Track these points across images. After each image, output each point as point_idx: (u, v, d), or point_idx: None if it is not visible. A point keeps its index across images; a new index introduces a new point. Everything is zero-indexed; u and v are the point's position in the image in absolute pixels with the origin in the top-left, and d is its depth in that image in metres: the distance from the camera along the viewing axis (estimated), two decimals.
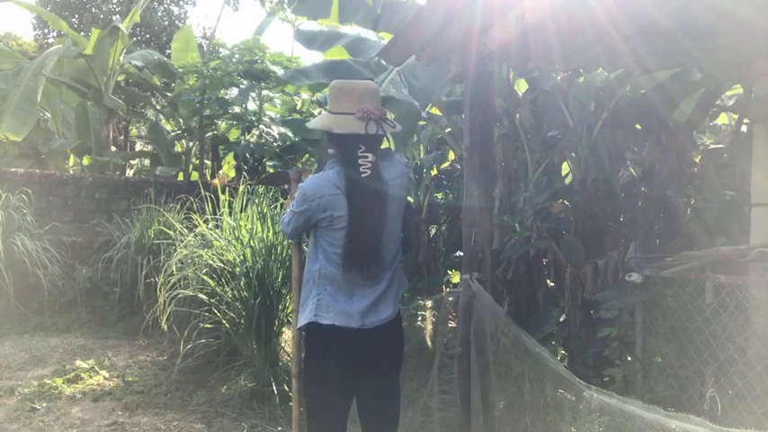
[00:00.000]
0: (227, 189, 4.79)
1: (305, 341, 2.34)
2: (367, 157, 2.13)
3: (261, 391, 4.00)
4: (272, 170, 7.62)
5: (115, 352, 5.34)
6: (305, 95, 8.01)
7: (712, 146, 4.25)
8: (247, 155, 7.50)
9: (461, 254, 3.68)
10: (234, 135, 8.32)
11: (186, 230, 4.84)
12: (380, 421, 2.30)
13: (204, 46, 13.30)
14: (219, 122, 8.43)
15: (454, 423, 3.46)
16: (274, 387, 3.91)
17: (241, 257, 4.19)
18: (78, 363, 4.82)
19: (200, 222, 4.62)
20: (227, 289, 4.21)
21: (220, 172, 8.79)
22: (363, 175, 2.12)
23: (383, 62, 5.37)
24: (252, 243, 4.23)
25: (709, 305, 2.71)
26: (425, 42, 3.11)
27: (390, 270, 2.27)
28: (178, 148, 10.60)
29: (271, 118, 7.79)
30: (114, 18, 14.41)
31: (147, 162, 11.84)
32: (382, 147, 2.29)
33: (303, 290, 2.30)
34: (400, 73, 4.74)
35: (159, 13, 15.83)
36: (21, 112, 7.58)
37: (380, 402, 2.28)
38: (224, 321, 4.19)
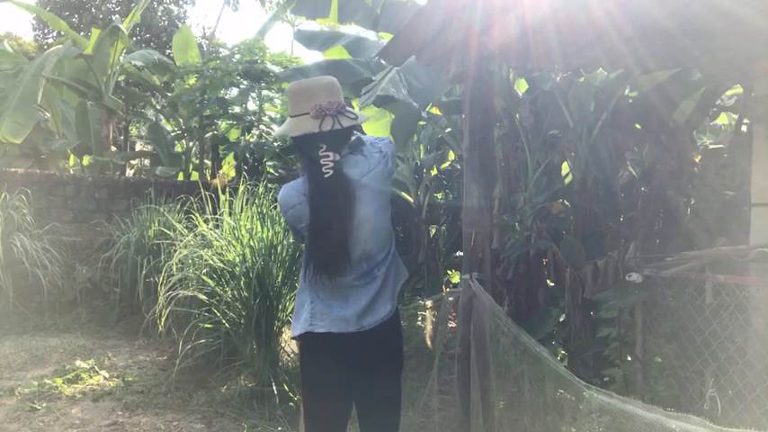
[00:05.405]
0: (227, 189, 4.79)
1: (300, 350, 2.25)
2: (328, 156, 1.98)
3: (261, 391, 4.00)
4: (272, 170, 7.63)
5: (115, 352, 5.35)
6: None
7: (712, 146, 4.24)
8: (247, 155, 7.50)
9: (461, 254, 3.68)
10: (234, 135, 8.32)
11: (186, 230, 4.84)
12: (381, 423, 2.26)
13: (204, 46, 13.30)
14: (219, 122, 8.43)
15: (454, 423, 3.46)
16: (274, 387, 3.91)
17: (241, 257, 4.19)
18: (78, 363, 4.83)
19: (200, 222, 4.62)
20: (227, 289, 4.21)
21: (220, 172, 8.79)
22: (326, 176, 1.98)
23: (383, 62, 5.37)
24: (251, 243, 4.23)
25: (709, 305, 2.71)
26: (425, 43, 3.11)
27: (384, 265, 2.15)
28: (178, 148, 10.61)
29: (271, 118, 7.79)
30: (114, 18, 14.42)
31: (147, 162, 11.85)
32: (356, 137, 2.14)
33: (298, 298, 2.21)
34: (400, 72, 4.74)
35: (159, 13, 15.84)
36: (19, 114, 7.58)
37: (381, 405, 2.22)
38: (224, 321, 4.19)
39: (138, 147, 13.44)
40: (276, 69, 7.55)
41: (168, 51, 12.56)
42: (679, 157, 3.94)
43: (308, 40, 6.43)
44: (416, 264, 6.20)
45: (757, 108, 3.10)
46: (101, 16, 15.19)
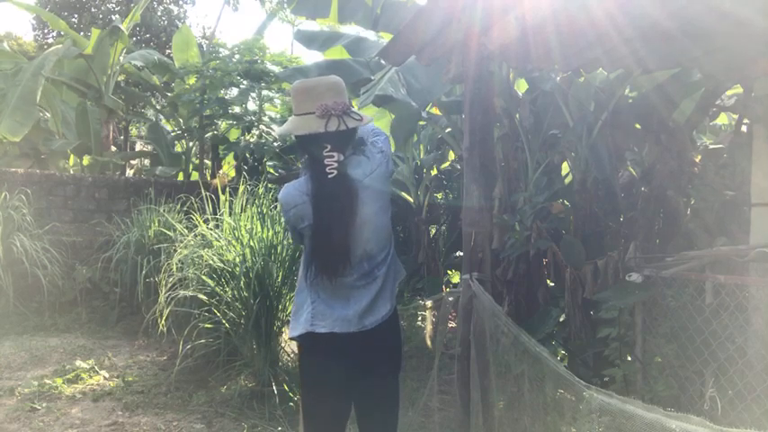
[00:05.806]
0: (227, 189, 4.79)
1: (299, 351, 2.24)
2: (333, 156, 1.98)
3: (261, 391, 4.00)
4: (272, 170, 7.63)
5: (115, 352, 5.35)
6: None
7: (712, 146, 4.24)
8: (247, 155, 7.50)
9: (461, 254, 3.69)
10: (234, 135, 8.33)
11: (186, 230, 4.85)
12: (380, 423, 2.26)
13: (204, 46, 13.30)
14: (219, 122, 8.44)
15: (454, 423, 3.46)
16: (274, 387, 3.91)
17: (241, 257, 4.20)
18: (78, 363, 4.83)
19: (200, 222, 4.62)
20: (227, 289, 4.21)
21: (220, 172, 8.79)
22: (330, 176, 1.98)
23: (383, 62, 5.38)
24: (251, 243, 4.23)
25: (709, 305, 2.71)
26: (425, 43, 3.11)
27: (384, 265, 2.16)
28: (178, 148, 10.60)
29: (271, 118, 7.80)
30: (114, 18, 14.42)
31: (147, 162, 11.85)
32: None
33: (297, 297, 2.20)
34: (399, 72, 4.74)
35: (159, 13, 15.84)
36: (19, 113, 7.58)
37: (380, 405, 2.22)
38: (224, 321, 4.20)
39: (138, 147, 13.44)
40: (276, 69, 7.56)
41: (168, 51, 12.57)
42: (679, 157, 3.94)
43: (308, 40, 6.44)
44: (416, 264, 6.20)
45: (757, 108, 3.10)
46: (101, 16, 15.19)
